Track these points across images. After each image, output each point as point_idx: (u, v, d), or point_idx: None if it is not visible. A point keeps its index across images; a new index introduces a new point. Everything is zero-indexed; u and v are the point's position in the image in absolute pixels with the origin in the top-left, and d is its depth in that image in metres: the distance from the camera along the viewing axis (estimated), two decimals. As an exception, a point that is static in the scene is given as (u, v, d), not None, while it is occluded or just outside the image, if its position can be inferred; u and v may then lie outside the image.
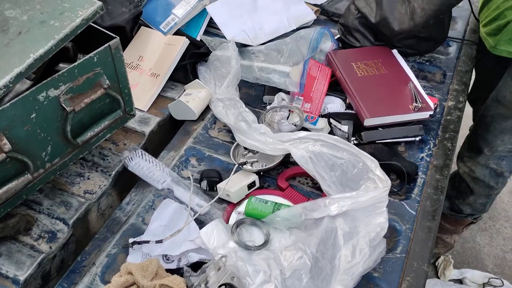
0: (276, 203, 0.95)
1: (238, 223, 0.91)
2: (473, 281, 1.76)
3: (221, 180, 1.02)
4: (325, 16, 1.52)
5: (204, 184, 1.02)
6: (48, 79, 0.83)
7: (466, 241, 1.93)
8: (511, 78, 1.32)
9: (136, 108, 1.09)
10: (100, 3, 0.86)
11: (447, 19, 1.31)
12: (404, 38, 1.26)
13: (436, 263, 1.82)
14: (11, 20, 0.85)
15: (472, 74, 1.36)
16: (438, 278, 1.80)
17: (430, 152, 1.09)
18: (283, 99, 1.19)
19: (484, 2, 1.37)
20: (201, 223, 0.93)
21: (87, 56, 0.88)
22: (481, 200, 1.59)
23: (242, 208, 0.98)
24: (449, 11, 1.31)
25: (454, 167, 1.51)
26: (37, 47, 0.80)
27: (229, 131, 1.14)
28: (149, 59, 1.28)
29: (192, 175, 1.04)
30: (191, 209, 0.95)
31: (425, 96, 1.15)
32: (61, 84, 0.85)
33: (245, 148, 1.09)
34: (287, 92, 1.20)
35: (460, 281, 1.79)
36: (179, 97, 1.21)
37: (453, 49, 1.40)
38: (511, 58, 1.29)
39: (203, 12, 1.36)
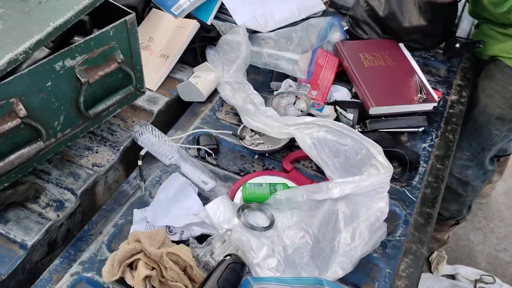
0: (270, 183, 0.97)
1: (243, 207, 0.93)
2: (466, 277, 1.79)
3: (218, 148, 1.07)
4: (333, 8, 1.54)
5: (202, 152, 1.05)
6: (65, 48, 0.85)
7: (460, 239, 1.96)
8: (479, 81, 1.35)
9: (145, 87, 1.11)
10: (119, -23, 0.88)
11: (453, 16, 1.34)
12: (411, 33, 1.29)
13: (430, 258, 1.85)
14: (31, -10, 0.87)
15: (475, 70, 1.38)
16: (431, 273, 1.83)
17: (432, 143, 1.12)
18: (290, 86, 1.21)
19: None
20: (206, 199, 0.96)
21: (104, 30, 0.90)
22: (454, 206, 1.58)
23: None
24: (455, 7, 1.33)
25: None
26: (57, 17, 0.82)
27: (236, 114, 1.16)
28: (159, 40, 1.30)
29: (199, 154, 1.06)
30: (196, 185, 0.98)
31: (430, 89, 1.18)
32: (77, 55, 0.87)
33: (252, 130, 1.11)
34: (295, 79, 1.22)
35: (452, 277, 1.83)
36: (188, 78, 1.23)
37: (458, 46, 1.42)
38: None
39: (215, -3, 1.38)
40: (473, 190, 1.53)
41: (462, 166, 1.44)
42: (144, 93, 1.09)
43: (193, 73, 1.27)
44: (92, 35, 0.88)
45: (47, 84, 0.85)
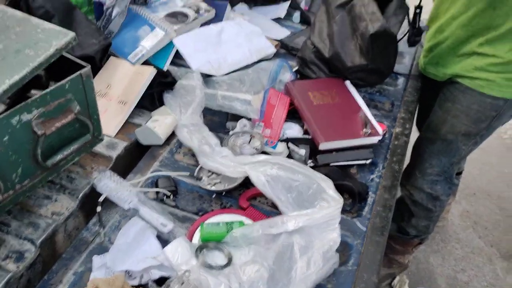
0: (227, 222, 1.00)
1: (201, 247, 0.96)
2: (427, 299, 1.86)
3: (176, 189, 1.11)
4: (284, 50, 1.63)
5: (161, 194, 1.09)
6: (22, 103, 0.88)
7: (420, 262, 2.03)
8: (437, 104, 1.48)
9: (104, 134, 1.15)
10: (73, 33, 0.93)
11: (393, 54, 1.44)
12: (354, 71, 1.38)
13: (392, 284, 1.90)
14: (-14, 49, 0.90)
15: (417, 103, 1.49)
16: (395, 298, 1.88)
17: (380, 173, 1.19)
18: (245, 125, 1.27)
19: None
20: (165, 241, 0.98)
21: (60, 83, 0.94)
22: (423, 222, 1.69)
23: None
24: (395, 46, 1.44)
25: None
26: (12, 74, 0.85)
27: (194, 155, 1.20)
28: (117, 87, 1.34)
29: (158, 197, 1.09)
30: (155, 227, 1.00)
31: (375, 123, 1.26)
32: (34, 108, 0.90)
33: (209, 170, 1.15)
34: (249, 119, 1.28)
35: (415, 300, 1.89)
36: (146, 123, 1.27)
37: (400, 81, 1.53)
38: (440, 82, 1.46)
39: (170, 44, 1.44)
40: (441, 205, 1.65)
41: (432, 181, 1.56)
42: (102, 140, 1.12)
43: (151, 117, 1.31)
44: (48, 89, 0.92)
45: (4, 139, 0.87)
